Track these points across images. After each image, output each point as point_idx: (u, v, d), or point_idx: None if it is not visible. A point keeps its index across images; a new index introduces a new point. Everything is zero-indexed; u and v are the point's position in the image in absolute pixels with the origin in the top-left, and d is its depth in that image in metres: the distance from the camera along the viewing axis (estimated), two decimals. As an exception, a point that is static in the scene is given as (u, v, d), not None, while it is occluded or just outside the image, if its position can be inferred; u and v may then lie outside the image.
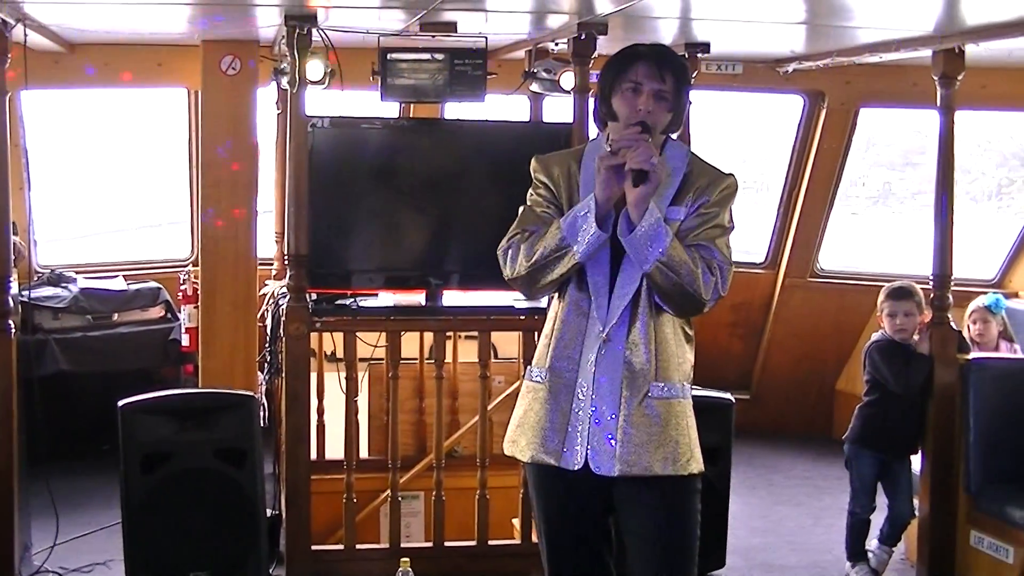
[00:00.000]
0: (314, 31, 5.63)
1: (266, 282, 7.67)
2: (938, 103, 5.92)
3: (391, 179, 6.12)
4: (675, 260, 3.62)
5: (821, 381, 9.39)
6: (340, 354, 6.02)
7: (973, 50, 5.82)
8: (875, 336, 6.26)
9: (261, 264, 7.67)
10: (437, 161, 6.21)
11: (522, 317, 6.06)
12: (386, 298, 6.19)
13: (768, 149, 12.08)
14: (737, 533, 6.38)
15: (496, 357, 7.22)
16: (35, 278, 7.94)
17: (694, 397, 3.92)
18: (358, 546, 5.95)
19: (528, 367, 3.99)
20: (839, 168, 9.07)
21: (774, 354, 9.49)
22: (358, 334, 5.99)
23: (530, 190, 3.94)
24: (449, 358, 6.84)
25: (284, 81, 6.53)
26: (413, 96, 6.27)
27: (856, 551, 6.32)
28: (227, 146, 7.33)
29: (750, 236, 9.40)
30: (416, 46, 6.15)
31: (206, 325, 7.41)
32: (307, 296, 5.78)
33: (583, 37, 5.84)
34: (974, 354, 6.27)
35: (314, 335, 5.99)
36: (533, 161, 3.97)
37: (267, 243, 8.16)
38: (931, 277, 5.97)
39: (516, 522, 6.16)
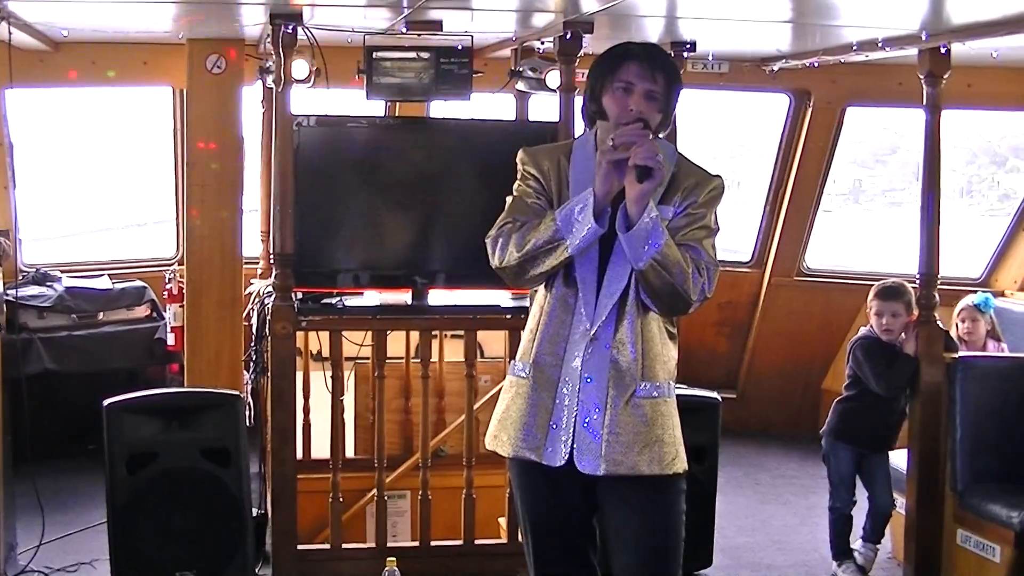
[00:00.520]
0: (299, 30, 5.61)
1: (252, 281, 7.64)
2: (924, 102, 5.92)
3: (377, 178, 6.12)
4: (669, 259, 3.61)
5: (807, 380, 9.40)
6: (326, 353, 6.02)
7: (959, 49, 5.82)
8: (862, 331, 6.27)
9: (247, 263, 7.65)
10: (423, 160, 6.21)
11: (508, 316, 6.05)
12: (372, 297, 6.19)
13: (754, 147, 12.10)
14: (724, 532, 6.38)
15: (482, 356, 7.21)
16: (20, 277, 7.91)
17: (680, 396, 3.92)
18: (344, 546, 5.95)
19: (512, 361, 3.98)
20: (825, 167, 9.08)
21: (760, 353, 9.49)
22: (344, 333, 5.99)
23: (518, 181, 3.91)
24: (435, 357, 6.83)
25: (269, 80, 6.53)
26: (399, 95, 6.27)
27: (841, 549, 6.32)
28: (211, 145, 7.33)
29: (736, 235, 9.41)
30: (402, 45, 6.14)
31: (191, 324, 7.40)
32: (293, 295, 5.77)
33: (569, 36, 5.84)
34: (960, 353, 6.28)
35: (300, 334, 5.98)
36: (521, 153, 3.94)
37: (253, 242, 8.15)
38: (917, 276, 5.98)
39: (503, 521, 6.16)
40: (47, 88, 8.33)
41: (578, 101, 6.05)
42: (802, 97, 8.89)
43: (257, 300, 6.89)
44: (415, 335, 6.44)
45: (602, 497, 3.83)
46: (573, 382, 3.77)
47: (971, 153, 14.31)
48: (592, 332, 3.74)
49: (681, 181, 3.80)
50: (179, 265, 8.06)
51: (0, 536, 5.58)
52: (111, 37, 7.50)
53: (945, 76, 5.85)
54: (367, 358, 6.53)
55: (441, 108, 7.37)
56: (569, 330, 3.78)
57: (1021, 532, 5.47)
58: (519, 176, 3.91)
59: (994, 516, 5.64)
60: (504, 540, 6.08)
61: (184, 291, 7.47)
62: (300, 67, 5.82)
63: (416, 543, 6.07)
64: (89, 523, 6.56)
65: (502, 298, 6.10)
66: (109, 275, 8.37)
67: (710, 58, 7.68)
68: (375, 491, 6.00)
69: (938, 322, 6.01)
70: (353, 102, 6.88)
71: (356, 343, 6.55)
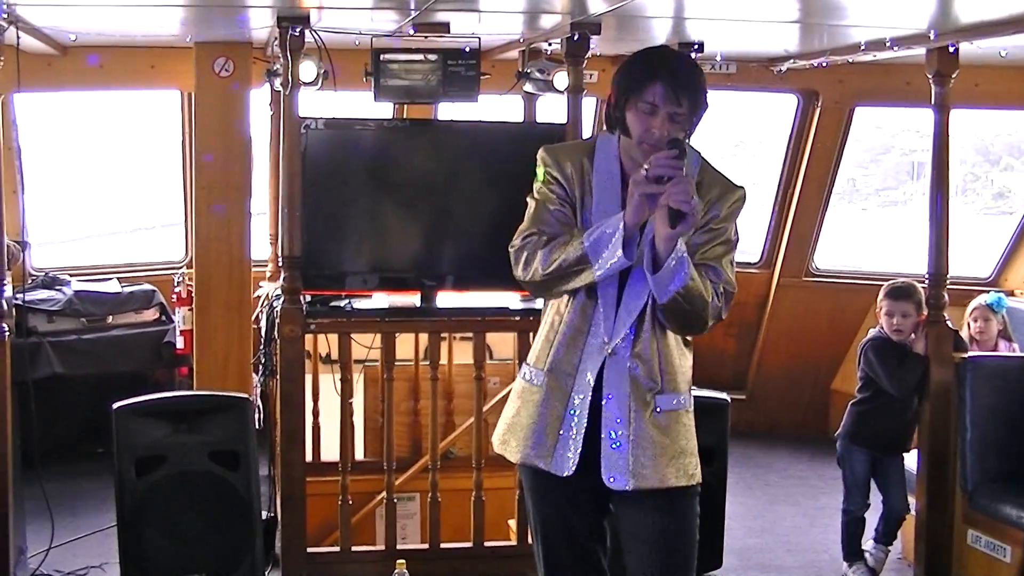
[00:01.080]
0: (307, 32, 5.61)
1: (260, 284, 7.66)
2: (932, 101, 5.90)
3: (385, 180, 6.12)
4: (692, 292, 3.59)
5: (816, 381, 9.38)
6: (335, 356, 6.02)
7: (967, 48, 5.81)
8: (872, 332, 6.26)
9: (255, 266, 7.66)
10: (431, 162, 6.20)
11: (517, 318, 6.04)
12: (380, 299, 6.18)
13: (762, 147, 12.10)
14: (733, 533, 6.36)
15: (491, 358, 7.22)
16: (29, 281, 7.92)
17: (689, 398, 3.93)
18: (354, 548, 5.94)
19: (524, 365, 3.96)
20: (834, 167, 9.08)
21: (769, 354, 9.48)
22: (353, 336, 5.99)
23: (538, 184, 3.85)
24: (444, 359, 6.82)
25: (277, 83, 6.53)
26: (406, 97, 6.28)
27: (852, 550, 6.32)
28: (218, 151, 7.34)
29: (745, 236, 9.37)
30: (409, 47, 6.15)
31: (200, 327, 7.40)
32: (301, 298, 5.77)
33: (576, 37, 5.83)
34: (970, 352, 6.27)
35: (308, 337, 5.97)
36: (542, 152, 3.87)
37: (261, 245, 8.16)
38: (927, 276, 5.97)
39: (512, 523, 6.15)
40: (55, 92, 8.34)
41: (586, 103, 6.12)
42: (810, 97, 8.88)
43: (266, 303, 6.89)
44: (424, 337, 6.45)
45: (618, 502, 3.84)
46: (585, 394, 3.76)
47: (965, 152, 14.31)
48: (611, 347, 3.74)
49: (705, 192, 3.74)
50: (188, 268, 8.06)
51: (10, 540, 5.57)
52: (119, 41, 7.51)
53: (953, 75, 5.84)
54: (376, 360, 6.52)
55: (449, 110, 7.39)
56: (585, 340, 3.77)
57: (1032, 532, 5.46)
58: (540, 178, 3.85)
59: (1004, 516, 5.63)
60: (514, 542, 6.07)
61: (193, 294, 7.48)
62: (308, 70, 5.82)
63: (425, 545, 6.06)
64: (98, 526, 6.57)
65: (511, 300, 6.09)
66: (118, 279, 8.39)
67: (718, 58, 7.66)
68: (384, 493, 5.99)
69: (948, 322, 6.00)
70: (361, 104, 6.89)
71: (365, 346, 6.54)
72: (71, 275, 8.27)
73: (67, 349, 7.67)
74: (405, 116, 8.02)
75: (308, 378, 6.32)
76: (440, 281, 6.11)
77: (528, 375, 3.89)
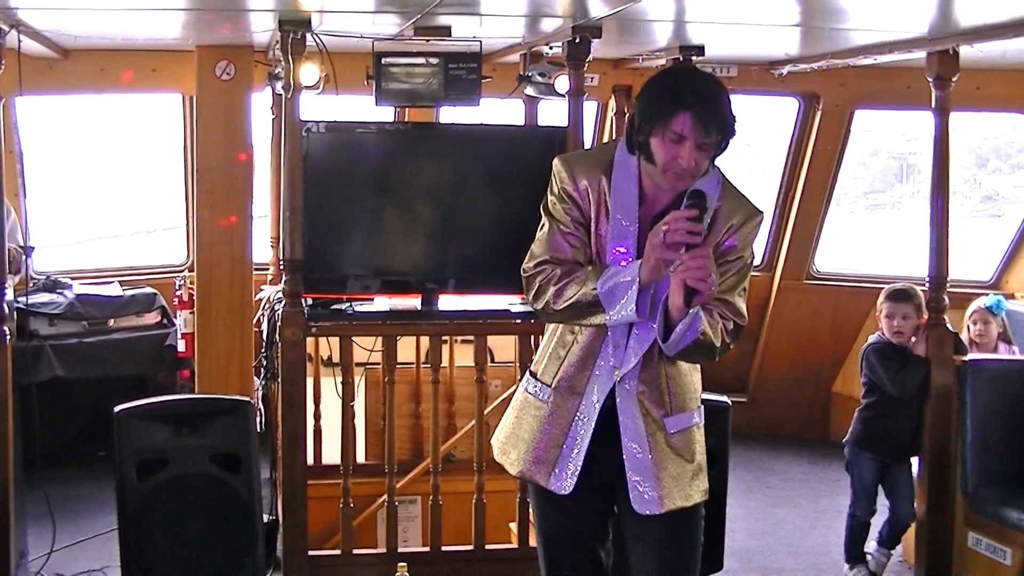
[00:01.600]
0: (308, 36, 5.61)
1: (262, 287, 7.66)
2: (933, 105, 5.91)
3: (386, 183, 6.12)
4: (702, 345, 3.61)
5: (817, 383, 9.39)
6: (336, 359, 6.02)
7: (967, 51, 5.81)
8: (872, 338, 6.27)
9: (257, 269, 7.66)
10: (432, 165, 6.20)
11: (518, 321, 6.04)
12: (382, 303, 6.18)
13: (762, 151, 12.11)
14: (734, 536, 6.36)
15: (492, 361, 7.22)
16: (31, 284, 7.92)
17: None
18: (355, 551, 5.95)
19: (529, 375, 3.94)
20: (835, 170, 9.08)
21: (770, 357, 9.48)
22: (354, 339, 5.99)
23: (553, 198, 3.75)
24: (445, 362, 6.83)
25: (278, 86, 6.53)
26: (408, 100, 6.28)
27: (855, 554, 6.32)
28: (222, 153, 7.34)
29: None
30: (410, 50, 6.15)
31: (202, 330, 7.40)
32: (303, 301, 5.77)
33: (577, 40, 5.83)
34: (970, 355, 6.27)
35: (310, 340, 5.97)
36: (557, 162, 3.77)
37: (263, 248, 8.16)
38: (927, 279, 5.97)
39: (513, 526, 6.15)
40: (57, 95, 8.34)
41: (587, 106, 6.13)
42: (811, 100, 8.89)
43: (267, 306, 6.90)
44: (425, 340, 6.44)
45: (624, 510, 3.84)
46: (590, 415, 3.76)
47: (955, 155, 14.38)
48: (620, 374, 3.73)
49: (727, 218, 3.70)
50: (189, 271, 8.06)
51: (11, 543, 5.58)
52: (121, 44, 7.52)
53: (954, 79, 5.85)
54: (377, 363, 6.53)
55: (450, 114, 7.39)
56: (595, 362, 3.76)
57: (1033, 535, 5.47)
58: (555, 192, 3.75)
59: (1005, 519, 5.64)
60: (515, 545, 6.08)
61: (194, 297, 7.48)
62: (309, 73, 5.82)
63: (427, 548, 6.07)
64: (100, 529, 6.57)
65: (512, 303, 6.09)
66: (119, 282, 8.38)
67: (719, 62, 7.66)
68: (386, 496, 5.99)
69: (948, 324, 6.01)
70: (362, 108, 6.89)
71: (366, 348, 6.55)
72: (73, 278, 8.27)
73: (69, 352, 7.66)
74: (406, 119, 8.04)
75: (309, 381, 6.33)
76: (441, 284, 6.11)
77: (533, 388, 3.88)
